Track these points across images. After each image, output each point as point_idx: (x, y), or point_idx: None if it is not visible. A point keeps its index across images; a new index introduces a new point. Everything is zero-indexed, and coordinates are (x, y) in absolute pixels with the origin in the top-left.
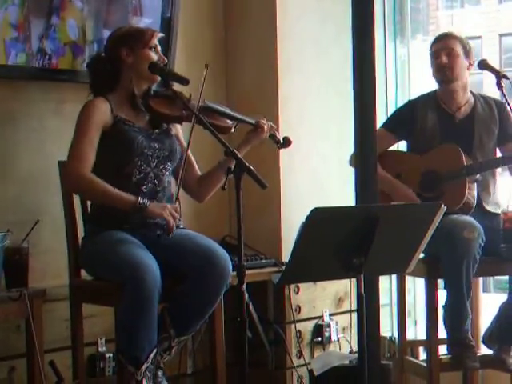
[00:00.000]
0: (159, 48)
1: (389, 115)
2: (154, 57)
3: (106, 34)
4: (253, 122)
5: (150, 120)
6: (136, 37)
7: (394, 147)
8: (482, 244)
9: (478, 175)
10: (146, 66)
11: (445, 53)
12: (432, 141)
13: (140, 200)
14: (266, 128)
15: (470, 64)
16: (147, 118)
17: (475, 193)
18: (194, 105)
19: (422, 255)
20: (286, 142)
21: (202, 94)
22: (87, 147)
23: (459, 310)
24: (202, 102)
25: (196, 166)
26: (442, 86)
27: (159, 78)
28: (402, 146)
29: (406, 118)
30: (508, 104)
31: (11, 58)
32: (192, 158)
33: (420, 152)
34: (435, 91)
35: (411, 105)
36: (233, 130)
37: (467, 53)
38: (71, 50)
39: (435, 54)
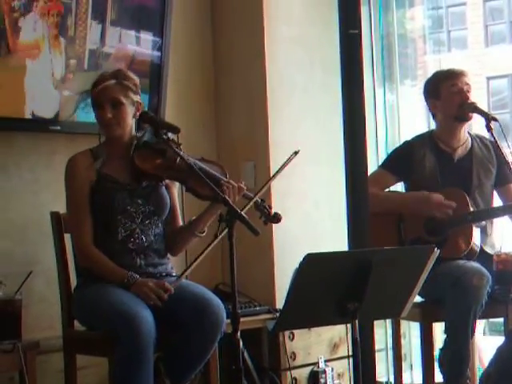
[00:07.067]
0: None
1: (386, 156)
2: (103, 117)
3: None
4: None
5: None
6: (92, 97)
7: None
8: (490, 290)
9: (483, 221)
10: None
11: (467, 89)
12: (431, 181)
13: (128, 274)
14: (230, 188)
15: None
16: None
17: (479, 238)
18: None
19: (419, 299)
20: (275, 218)
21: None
22: (81, 218)
23: (462, 356)
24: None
25: (179, 218)
26: (455, 123)
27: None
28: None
29: (405, 157)
30: (499, 146)
31: None
32: (176, 210)
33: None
34: (431, 131)
35: (409, 145)
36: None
37: None
38: None
39: (458, 89)
